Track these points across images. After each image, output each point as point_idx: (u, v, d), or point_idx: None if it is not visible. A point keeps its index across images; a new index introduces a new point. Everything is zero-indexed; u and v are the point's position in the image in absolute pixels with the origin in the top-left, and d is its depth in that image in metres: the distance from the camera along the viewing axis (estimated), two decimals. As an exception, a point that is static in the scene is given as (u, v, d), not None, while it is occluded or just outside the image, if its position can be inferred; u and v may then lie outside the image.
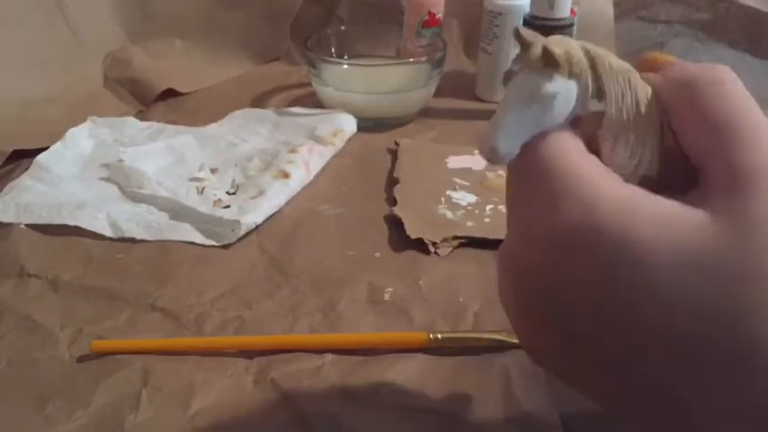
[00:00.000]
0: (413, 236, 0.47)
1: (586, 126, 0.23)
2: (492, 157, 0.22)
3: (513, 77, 0.23)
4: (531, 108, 0.22)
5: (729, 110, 0.21)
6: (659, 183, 0.23)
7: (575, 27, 0.63)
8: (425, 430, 0.33)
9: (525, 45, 0.22)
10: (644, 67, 0.24)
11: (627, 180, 0.22)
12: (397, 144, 0.61)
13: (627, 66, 0.23)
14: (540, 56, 0.22)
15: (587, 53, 0.22)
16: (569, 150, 0.22)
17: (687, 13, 0.79)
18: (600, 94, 0.22)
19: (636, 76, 0.23)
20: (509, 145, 0.22)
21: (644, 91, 0.23)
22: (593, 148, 0.23)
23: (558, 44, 0.22)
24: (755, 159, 0.20)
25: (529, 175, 0.22)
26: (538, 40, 0.22)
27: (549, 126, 0.22)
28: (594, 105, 0.22)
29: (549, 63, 0.22)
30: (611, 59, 0.23)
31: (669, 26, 0.80)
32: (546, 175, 0.21)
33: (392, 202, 0.52)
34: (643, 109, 0.23)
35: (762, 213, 0.19)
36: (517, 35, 0.22)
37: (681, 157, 0.23)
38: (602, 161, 0.22)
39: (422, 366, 0.36)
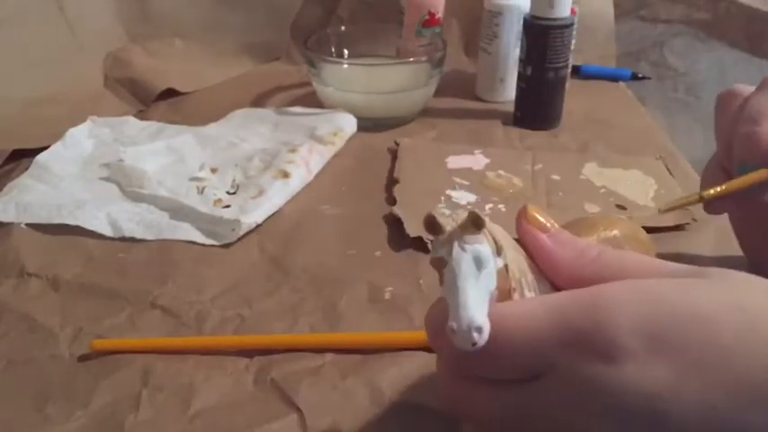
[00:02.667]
0: (412, 234, 0.47)
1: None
2: (478, 338, 0.22)
3: (447, 261, 0.24)
4: (480, 277, 0.23)
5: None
6: None
7: (575, 27, 0.63)
8: (426, 429, 0.33)
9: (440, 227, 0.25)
10: (530, 220, 0.27)
11: None
12: (397, 144, 0.61)
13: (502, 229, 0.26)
14: (469, 223, 0.23)
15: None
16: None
17: (687, 13, 0.79)
18: (499, 249, 0.25)
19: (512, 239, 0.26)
20: (483, 318, 0.23)
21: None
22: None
23: (443, 217, 0.25)
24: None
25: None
26: (446, 221, 0.25)
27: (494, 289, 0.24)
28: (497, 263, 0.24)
29: (478, 228, 0.24)
30: (492, 226, 0.25)
31: (669, 26, 0.80)
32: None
33: (392, 201, 0.52)
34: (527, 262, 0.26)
35: None
36: (431, 223, 0.25)
37: None
38: None
39: (422, 365, 0.36)
